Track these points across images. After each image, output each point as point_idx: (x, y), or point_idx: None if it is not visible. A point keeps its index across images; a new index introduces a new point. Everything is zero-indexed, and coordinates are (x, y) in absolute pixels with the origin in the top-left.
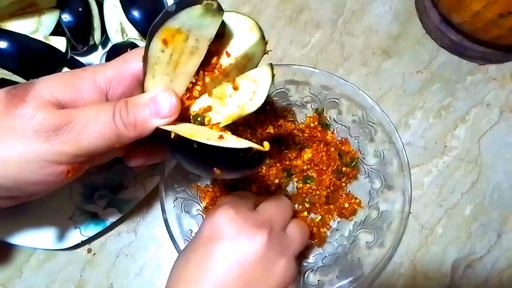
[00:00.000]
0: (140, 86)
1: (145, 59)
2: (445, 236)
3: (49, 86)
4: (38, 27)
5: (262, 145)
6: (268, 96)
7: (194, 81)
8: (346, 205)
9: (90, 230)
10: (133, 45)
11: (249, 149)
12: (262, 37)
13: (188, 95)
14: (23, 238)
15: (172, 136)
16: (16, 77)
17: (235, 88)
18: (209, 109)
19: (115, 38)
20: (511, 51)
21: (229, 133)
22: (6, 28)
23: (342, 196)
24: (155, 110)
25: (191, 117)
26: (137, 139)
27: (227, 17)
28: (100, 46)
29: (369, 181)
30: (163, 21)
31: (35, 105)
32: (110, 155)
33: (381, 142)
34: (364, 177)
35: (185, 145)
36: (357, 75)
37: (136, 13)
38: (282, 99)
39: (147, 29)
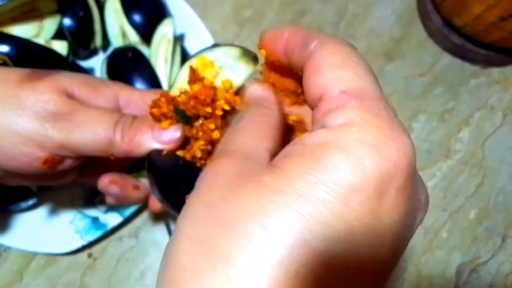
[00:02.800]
0: None
1: (171, 86)
2: (449, 241)
3: (72, 79)
4: (40, 31)
5: None
6: None
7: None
8: None
9: (91, 234)
10: (134, 49)
11: None
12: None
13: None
14: (24, 243)
15: (164, 152)
16: None
17: None
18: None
19: (116, 42)
20: None
21: None
22: (8, 32)
23: None
24: (157, 131)
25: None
26: (126, 156)
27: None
28: (101, 50)
29: None
30: (201, 51)
31: (49, 86)
32: (68, 176)
33: None
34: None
35: (168, 163)
36: None
37: (137, 17)
38: None
39: (148, 33)
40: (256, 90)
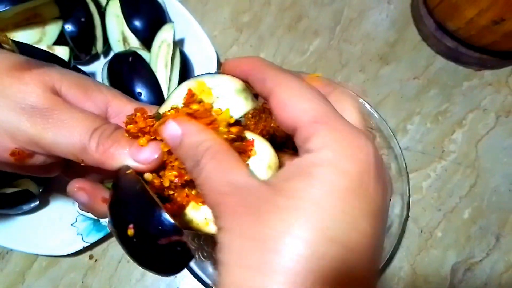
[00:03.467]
0: None
1: (165, 100)
2: (444, 240)
3: (64, 76)
4: (42, 37)
5: None
6: None
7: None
8: None
9: (92, 236)
10: (135, 54)
11: (181, 234)
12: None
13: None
14: (26, 245)
15: (129, 171)
16: None
17: None
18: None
19: (117, 47)
20: (506, 56)
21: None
22: (11, 38)
23: None
24: (135, 147)
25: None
26: (96, 165)
27: (257, 144)
28: (102, 55)
29: None
30: (202, 75)
31: (36, 78)
32: (51, 171)
33: (379, 147)
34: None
35: (127, 185)
36: (355, 81)
37: (137, 23)
38: None
39: (148, 38)
40: (178, 128)
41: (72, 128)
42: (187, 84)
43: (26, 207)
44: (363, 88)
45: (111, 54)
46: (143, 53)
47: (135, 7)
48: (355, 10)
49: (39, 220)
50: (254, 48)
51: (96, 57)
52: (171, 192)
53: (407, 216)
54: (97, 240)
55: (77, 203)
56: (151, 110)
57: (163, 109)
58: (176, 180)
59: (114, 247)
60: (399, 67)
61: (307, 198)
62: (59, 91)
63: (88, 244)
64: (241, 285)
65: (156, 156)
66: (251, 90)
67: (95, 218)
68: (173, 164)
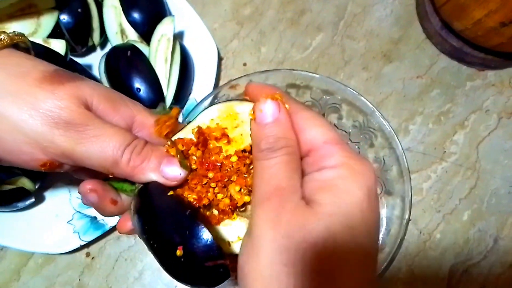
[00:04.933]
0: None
1: (190, 121)
2: (443, 242)
3: (94, 90)
4: (37, 28)
5: None
6: None
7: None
8: None
9: (89, 234)
10: (133, 47)
11: (223, 258)
12: None
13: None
14: (21, 243)
15: (170, 193)
16: None
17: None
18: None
19: (115, 39)
20: (510, 58)
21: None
22: (5, 30)
23: None
24: (164, 167)
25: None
26: (124, 177)
27: None
28: (99, 47)
29: None
30: (231, 99)
31: (69, 93)
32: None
33: (381, 147)
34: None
35: (173, 207)
36: (357, 79)
37: (136, 15)
38: None
39: (147, 31)
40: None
41: (105, 144)
42: (217, 107)
43: (21, 205)
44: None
45: (108, 46)
46: (142, 47)
47: None
48: (359, 5)
49: (34, 217)
50: (255, 43)
51: (92, 49)
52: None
53: (409, 219)
54: (94, 238)
55: (72, 201)
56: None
57: (190, 127)
58: (194, 202)
59: (111, 245)
60: (402, 65)
61: (338, 208)
62: (90, 105)
63: (85, 242)
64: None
65: (183, 175)
66: None
67: (93, 216)
68: (195, 187)
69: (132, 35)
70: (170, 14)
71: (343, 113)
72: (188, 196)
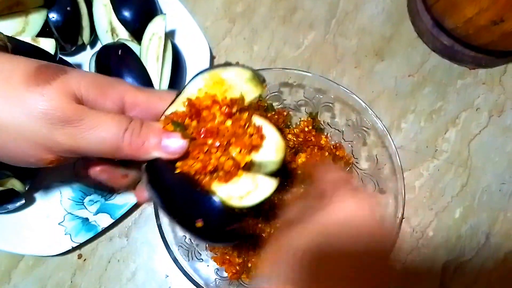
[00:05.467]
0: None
1: (179, 92)
2: (435, 239)
3: (80, 81)
4: (25, 27)
5: None
6: (258, 204)
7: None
8: None
9: (81, 236)
10: (124, 46)
11: (240, 220)
12: (281, 161)
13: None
14: (11, 244)
15: (177, 171)
16: None
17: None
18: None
19: (105, 38)
20: (501, 56)
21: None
22: None
23: None
24: (165, 142)
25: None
26: (131, 159)
27: (266, 127)
28: (88, 46)
29: (362, 185)
30: (214, 66)
31: (57, 91)
32: None
33: (374, 145)
34: (357, 181)
35: (184, 184)
36: (350, 77)
37: (127, 13)
38: (276, 102)
39: (138, 29)
40: None
41: (103, 133)
42: (202, 76)
43: (11, 206)
44: None
45: (99, 45)
46: (133, 45)
47: None
48: (351, 3)
49: (25, 219)
50: (247, 41)
51: (82, 48)
52: (201, 177)
53: (402, 218)
54: (86, 240)
55: (63, 202)
56: (160, 98)
57: (180, 100)
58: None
59: (104, 246)
60: (394, 63)
61: None
62: (80, 97)
63: (77, 244)
64: None
65: (185, 144)
66: (259, 77)
67: (84, 217)
68: (198, 156)
69: (123, 34)
70: (161, 12)
71: (336, 112)
72: (193, 165)
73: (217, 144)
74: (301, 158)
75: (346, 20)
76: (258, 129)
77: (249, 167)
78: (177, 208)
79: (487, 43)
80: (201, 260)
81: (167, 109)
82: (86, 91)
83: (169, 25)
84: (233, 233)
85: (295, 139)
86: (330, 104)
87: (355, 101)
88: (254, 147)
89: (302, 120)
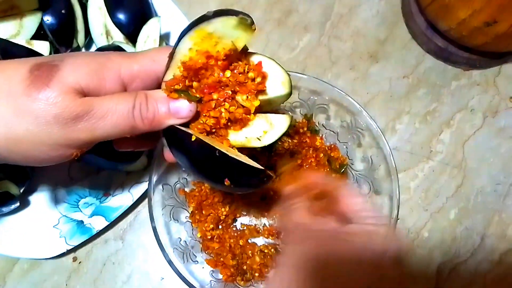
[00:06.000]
0: (159, 83)
1: (171, 55)
2: (430, 240)
3: (75, 73)
4: (20, 30)
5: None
6: (276, 142)
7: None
8: None
9: (76, 239)
10: (119, 49)
11: (263, 171)
12: (289, 93)
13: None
14: (6, 247)
15: (193, 139)
16: None
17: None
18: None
19: (100, 41)
20: (495, 57)
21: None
22: None
23: None
24: (174, 109)
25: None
26: (148, 132)
27: (266, 64)
28: (83, 49)
29: (357, 186)
30: (198, 22)
31: (58, 91)
32: None
33: (368, 147)
34: (352, 182)
35: (203, 150)
36: (345, 79)
37: (121, 16)
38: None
39: (133, 32)
40: None
41: (114, 118)
42: (189, 36)
43: (6, 209)
44: None
45: (93, 48)
46: (128, 48)
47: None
48: (346, 6)
49: (19, 222)
50: None
51: (77, 51)
52: (214, 131)
53: (397, 218)
54: (81, 242)
55: (58, 205)
56: (151, 59)
57: (175, 64)
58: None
59: (99, 249)
60: (388, 65)
61: None
62: (81, 90)
63: (72, 247)
64: None
65: (194, 105)
66: (245, 21)
67: (79, 220)
68: (208, 113)
69: (118, 36)
70: (156, 14)
71: (331, 114)
72: (207, 122)
73: (224, 96)
74: (297, 160)
75: (340, 22)
76: (259, 68)
77: (260, 108)
78: (202, 173)
79: (481, 45)
80: (196, 262)
81: (164, 75)
82: (84, 82)
83: (164, 27)
84: (259, 181)
85: (290, 140)
86: (325, 106)
87: (350, 102)
88: (259, 91)
89: (297, 122)
